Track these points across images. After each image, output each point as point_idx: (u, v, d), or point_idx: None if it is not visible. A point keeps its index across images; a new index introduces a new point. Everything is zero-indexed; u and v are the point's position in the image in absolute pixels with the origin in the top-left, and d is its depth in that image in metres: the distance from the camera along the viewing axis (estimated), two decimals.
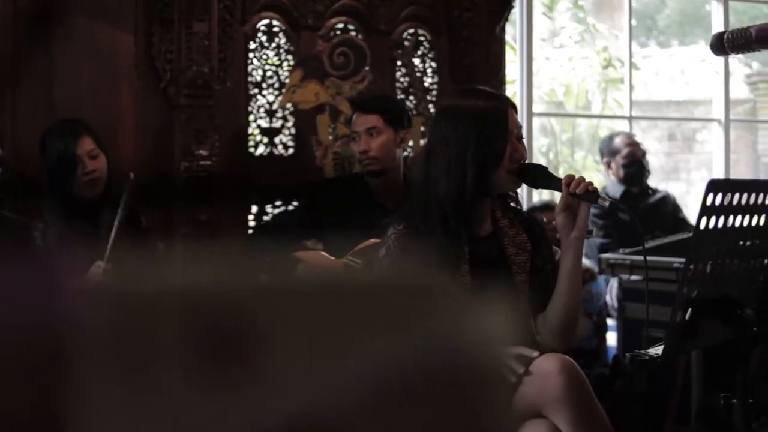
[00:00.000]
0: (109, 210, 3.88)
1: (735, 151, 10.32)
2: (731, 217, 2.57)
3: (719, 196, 2.50)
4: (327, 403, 0.48)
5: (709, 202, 2.46)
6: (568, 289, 2.84)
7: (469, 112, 2.76)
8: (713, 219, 2.52)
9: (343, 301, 0.52)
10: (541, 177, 2.85)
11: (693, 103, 10.44)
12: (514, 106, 2.86)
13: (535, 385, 2.57)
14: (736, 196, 2.56)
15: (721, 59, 7.05)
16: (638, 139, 6.21)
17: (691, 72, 10.62)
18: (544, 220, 3.47)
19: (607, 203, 2.75)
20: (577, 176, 2.79)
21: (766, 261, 2.84)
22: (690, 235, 3.59)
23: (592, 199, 2.73)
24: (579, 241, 2.81)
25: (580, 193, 2.73)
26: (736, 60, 10.65)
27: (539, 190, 5.12)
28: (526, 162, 2.86)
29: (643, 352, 2.76)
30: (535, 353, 2.62)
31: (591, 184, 2.75)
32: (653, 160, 9.25)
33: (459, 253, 2.77)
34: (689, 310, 2.57)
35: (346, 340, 0.51)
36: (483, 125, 2.74)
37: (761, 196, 2.66)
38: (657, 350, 2.67)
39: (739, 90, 10.70)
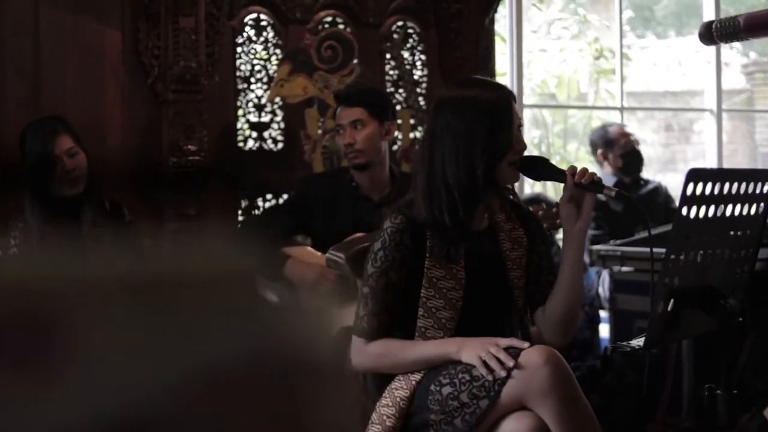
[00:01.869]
0: (91, 206, 3.87)
1: (732, 141, 10.30)
2: (713, 207, 2.55)
3: (700, 186, 2.48)
4: (140, 398, 0.47)
5: (689, 191, 2.45)
6: (570, 283, 2.81)
7: (475, 102, 2.73)
8: (694, 208, 2.51)
9: (162, 294, 0.50)
10: (544, 169, 2.82)
11: (690, 94, 10.42)
12: (514, 97, 2.85)
13: (520, 377, 2.54)
14: (717, 185, 2.54)
15: (713, 48, 7.03)
16: (634, 129, 6.19)
17: (688, 62, 10.61)
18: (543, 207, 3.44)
19: (613, 193, 2.72)
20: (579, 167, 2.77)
21: (751, 251, 2.82)
22: None
23: (598, 189, 2.71)
24: (582, 233, 2.79)
25: (585, 183, 2.71)
26: (734, 50, 10.63)
27: (533, 182, 5.11)
28: (526, 155, 2.83)
29: (625, 343, 2.74)
30: (526, 344, 2.59)
31: (595, 174, 2.73)
32: (650, 151, 9.23)
33: (457, 248, 2.74)
34: (671, 300, 2.56)
35: (165, 333, 0.49)
36: (490, 115, 2.72)
37: (743, 185, 2.65)
38: (639, 342, 2.65)
39: (737, 80, 10.68)
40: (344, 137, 3.95)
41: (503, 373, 2.55)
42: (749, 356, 4.13)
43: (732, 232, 2.70)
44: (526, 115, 6.63)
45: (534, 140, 8.40)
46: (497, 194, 2.86)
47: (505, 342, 2.62)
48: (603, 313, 5.20)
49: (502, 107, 2.75)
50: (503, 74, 6.31)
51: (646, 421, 4.40)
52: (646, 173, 6.08)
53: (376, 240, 2.77)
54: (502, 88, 2.84)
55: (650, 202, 5.74)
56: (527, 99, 7.05)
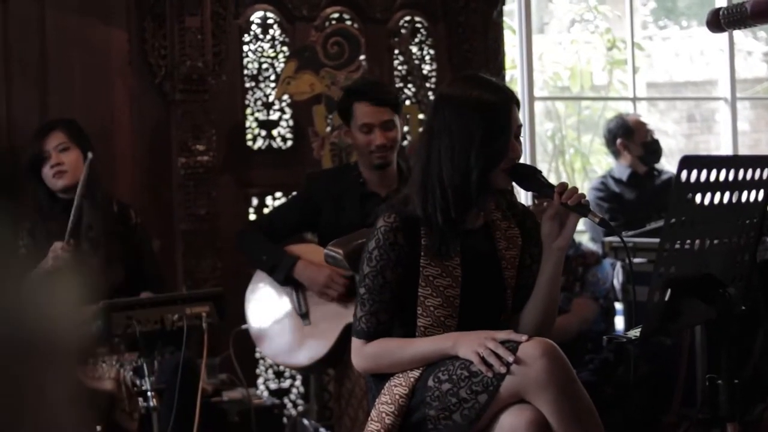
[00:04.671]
0: (89, 204, 3.90)
1: (756, 130, 10.21)
2: (709, 194, 2.51)
3: (694, 173, 2.44)
4: None
5: (683, 179, 2.41)
6: (545, 295, 2.82)
7: (475, 103, 2.70)
8: (689, 196, 2.47)
9: None
10: (534, 181, 2.77)
11: (711, 84, 10.33)
12: (517, 102, 2.80)
13: (518, 371, 2.53)
14: (714, 173, 2.50)
15: (737, 37, 6.96)
16: (655, 120, 6.14)
17: (710, 52, 10.53)
18: (545, 204, 3.40)
19: (597, 219, 2.67)
20: (570, 184, 2.73)
21: (752, 239, 2.77)
22: None
23: (583, 212, 2.68)
24: (561, 252, 2.77)
25: (572, 204, 2.68)
26: (757, 38, 10.53)
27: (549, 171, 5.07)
28: (520, 162, 2.80)
29: (621, 334, 2.71)
30: (523, 337, 2.57)
31: (583, 196, 2.69)
32: (671, 142, 9.16)
33: (451, 245, 2.72)
34: (668, 290, 2.52)
35: None
36: (488, 120, 2.69)
37: (741, 172, 2.60)
38: (636, 333, 2.62)
39: (760, 68, 10.58)
40: (376, 138, 3.89)
41: (503, 370, 2.53)
42: (763, 345, 4.08)
43: (731, 220, 2.65)
44: (539, 108, 6.57)
45: (547, 132, 8.33)
46: (490, 197, 2.84)
47: (502, 335, 2.60)
48: (618, 305, 5.16)
49: (502, 112, 2.71)
50: (513, 67, 6.27)
51: (661, 413, 4.36)
52: (667, 164, 6.02)
53: (369, 239, 2.75)
54: (504, 92, 2.79)
55: (664, 193, 5.69)
56: (539, 91, 6.99)
